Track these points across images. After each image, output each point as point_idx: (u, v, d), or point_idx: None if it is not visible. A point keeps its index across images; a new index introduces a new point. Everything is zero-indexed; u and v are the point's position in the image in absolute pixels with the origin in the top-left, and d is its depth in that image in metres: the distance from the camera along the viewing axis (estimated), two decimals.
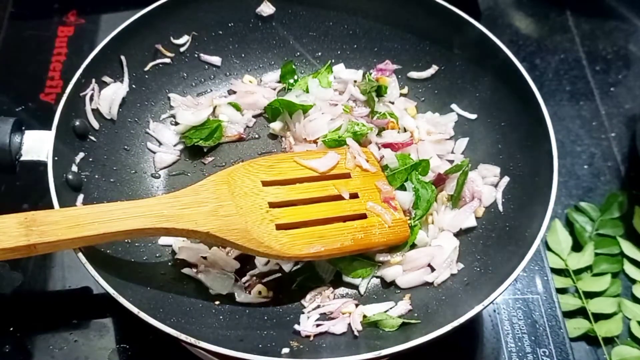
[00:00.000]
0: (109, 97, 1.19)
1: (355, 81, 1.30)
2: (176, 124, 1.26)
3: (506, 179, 1.17)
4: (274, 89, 1.33)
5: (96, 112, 1.16)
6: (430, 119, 1.28)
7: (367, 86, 1.26)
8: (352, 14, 1.33)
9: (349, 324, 1.03)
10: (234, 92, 1.32)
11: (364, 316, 1.04)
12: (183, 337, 0.89)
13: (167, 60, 1.28)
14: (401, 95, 1.32)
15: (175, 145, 1.25)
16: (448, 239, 1.14)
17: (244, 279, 1.10)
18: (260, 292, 1.09)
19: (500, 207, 1.15)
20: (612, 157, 1.49)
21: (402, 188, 1.17)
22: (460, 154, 1.24)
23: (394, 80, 1.31)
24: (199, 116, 1.24)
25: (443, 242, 1.12)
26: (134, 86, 1.23)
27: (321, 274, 1.11)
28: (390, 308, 1.06)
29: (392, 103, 1.29)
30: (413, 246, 1.13)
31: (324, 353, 0.98)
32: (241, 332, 1.01)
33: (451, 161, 1.22)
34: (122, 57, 1.21)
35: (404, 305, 1.06)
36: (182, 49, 1.30)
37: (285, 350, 0.97)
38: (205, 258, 1.10)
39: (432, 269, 1.11)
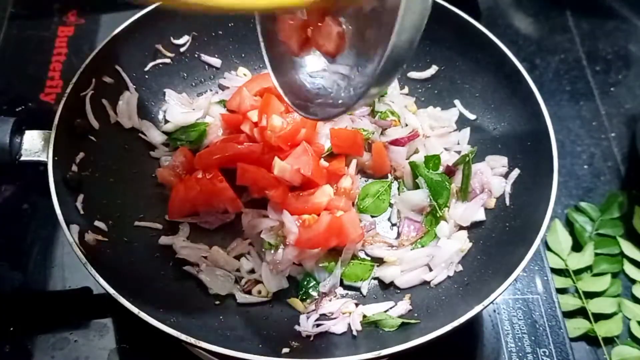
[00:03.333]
0: (124, 110, 1.21)
1: None
2: (166, 122, 1.26)
3: (516, 172, 1.17)
4: None
5: (96, 112, 1.16)
6: (432, 114, 1.28)
7: None
8: None
9: (349, 324, 1.03)
10: (227, 88, 1.32)
11: (364, 316, 1.04)
12: (183, 337, 0.89)
13: (167, 61, 1.28)
14: (400, 94, 1.32)
15: (163, 145, 1.25)
16: (450, 240, 1.14)
17: (243, 281, 1.10)
18: (260, 292, 1.09)
19: (508, 200, 1.15)
20: (612, 157, 1.49)
21: (416, 187, 1.17)
22: (466, 144, 1.25)
23: (394, 80, 1.31)
24: (189, 117, 1.24)
25: (443, 243, 1.13)
26: (134, 86, 1.23)
27: (320, 281, 1.10)
28: (390, 308, 1.06)
29: (392, 102, 1.29)
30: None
31: (324, 353, 0.98)
32: (241, 332, 1.01)
33: (459, 152, 1.23)
34: (118, 67, 1.21)
35: (403, 305, 1.06)
36: (182, 49, 1.30)
37: (285, 350, 0.98)
38: (205, 257, 1.10)
39: (430, 269, 1.11)
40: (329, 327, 1.03)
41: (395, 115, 1.26)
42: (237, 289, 1.09)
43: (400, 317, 1.04)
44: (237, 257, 1.12)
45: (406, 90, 1.33)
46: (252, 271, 1.11)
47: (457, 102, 1.29)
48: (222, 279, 1.09)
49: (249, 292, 1.09)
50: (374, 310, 1.05)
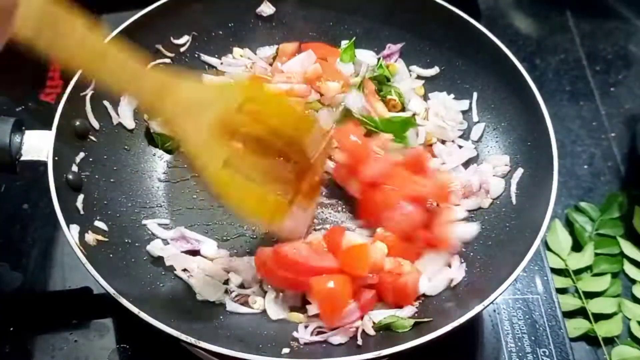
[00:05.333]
0: (127, 112, 1.21)
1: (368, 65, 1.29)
2: None
3: (520, 170, 1.16)
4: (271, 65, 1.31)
5: (97, 112, 1.16)
6: (443, 101, 1.27)
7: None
8: (352, 14, 1.33)
9: (350, 337, 1.01)
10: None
11: (373, 322, 1.02)
12: (184, 337, 0.89)
13: (167, 61, 1.28)
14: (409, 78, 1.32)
15: None
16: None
17: (233, 294, 1.07)
18: (255, 302, 1.06)
19: (514, 200, 1.15)
20: (612, 157, 1.49)
21: None
22: (475, 141, 1.24)
23: (403, 65, 1.31)
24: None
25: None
26: None
27: None
28: (397, 311, 1.05)
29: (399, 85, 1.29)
30: None
31: (326, 354, 0.98)
32: (241, 332, 1.01)
33: (460, 146, 1.24)
34: None
35: (409, 308, 1.04)
36: (182, 49, 1.30)
37: (286, 350, 0.97)
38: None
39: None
40: (328, 337, 1.00)
41: (396, 94, 1.25)
42: (227, 298, 1.06)
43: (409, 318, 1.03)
44: (225, 270, 1.09)
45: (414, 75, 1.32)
46: (241, 286, 1.08)
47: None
48: (212, 285, 1.06)
49: (241, 304, 1.06)
50: (380, 315, 1.03)
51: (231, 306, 1.05)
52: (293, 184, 1.03)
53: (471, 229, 1.12)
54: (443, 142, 1.25)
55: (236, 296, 1.07)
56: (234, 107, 0.93)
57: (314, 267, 1.01)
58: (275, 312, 1.05)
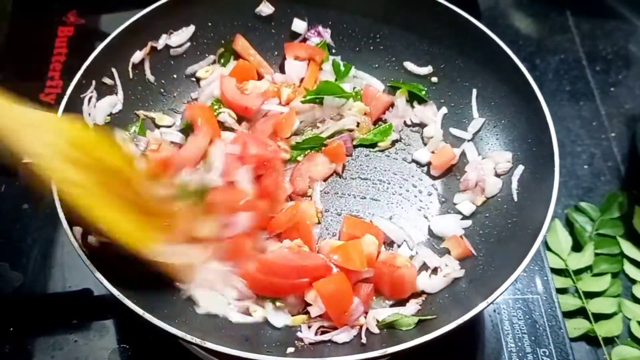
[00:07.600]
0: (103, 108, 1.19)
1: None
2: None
3: (521, 167, 1.17)
4: None
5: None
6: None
7: None
8: (352, 14, 1.33)
9: (354, 335, 1.01)
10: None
11: (377, 320, 1.03)
12: (189, 337, 0.89)
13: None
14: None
15: None
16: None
17: (232, 305, 1.05)
18: (256, 311, 1.05)
19: (515, 197, 1.15)
20: (612, 157, 1.49)
21: None
22: (473, 132, 1.25)
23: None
24: None
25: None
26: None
27: None
28: (400, 309, 1.05)
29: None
30: None
31: (331, 353, 0.98)
32: (246, 332, 1.01)
33: (456, 137, 1.26)
34: (114, 70, 1.21)
35: (412, 306, 1.05)
36: (180, 50, 1.30)
37: (291, 349, 0.98)
38: None
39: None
40: (332, 336, 1.01)
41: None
42: (229, 309, 1.05)
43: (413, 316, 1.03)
44: None
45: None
46: (239, 299, 1.06)
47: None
48: (213, 296, 1.05)
49: (243, 313, 1.05)
50: (384, 314, 1.04)
51: (235, 317, 1.03)
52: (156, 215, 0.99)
53: (433, 283, 1.09)
54: None
55: (235, 307, 1.05)
56: (62, 140, 0.89)
57: (304, 267, 1.02)
58: (278, 320, 1.04)
